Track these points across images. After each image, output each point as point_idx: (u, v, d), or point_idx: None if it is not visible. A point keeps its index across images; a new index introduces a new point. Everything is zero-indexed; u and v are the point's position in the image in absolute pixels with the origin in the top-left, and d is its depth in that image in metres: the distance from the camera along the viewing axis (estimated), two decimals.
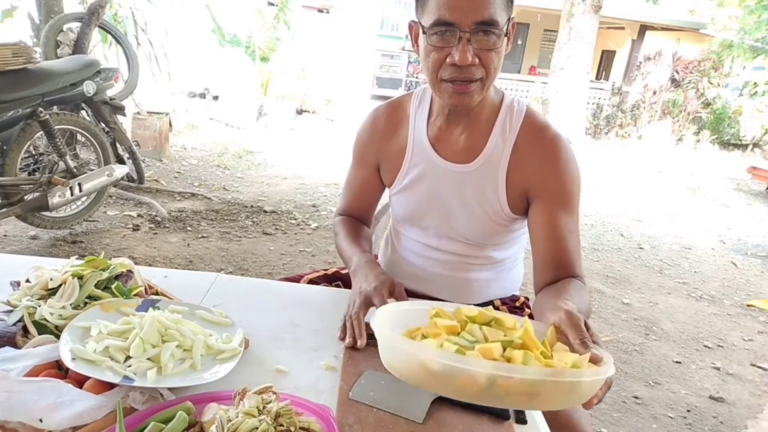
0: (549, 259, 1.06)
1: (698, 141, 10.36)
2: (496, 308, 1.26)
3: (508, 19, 0.96)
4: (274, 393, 0.72)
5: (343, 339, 0.95)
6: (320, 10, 11.31)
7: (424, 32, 0.97)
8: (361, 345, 0.93)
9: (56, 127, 2.87)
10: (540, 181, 1.07)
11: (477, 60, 0.95)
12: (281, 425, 0.67)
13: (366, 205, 1.30)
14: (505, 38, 0.97)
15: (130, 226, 3.50)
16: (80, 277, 0.91)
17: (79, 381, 0.73)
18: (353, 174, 1.28)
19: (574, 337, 0.74)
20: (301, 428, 0.68)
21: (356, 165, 1.27)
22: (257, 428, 0.65)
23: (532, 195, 1.09)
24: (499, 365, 0.63)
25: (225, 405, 0.70)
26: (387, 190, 1.28)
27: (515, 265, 1.31)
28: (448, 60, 0.95)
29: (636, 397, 2.29)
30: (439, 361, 0.61)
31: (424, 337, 0.76)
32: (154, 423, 0.68)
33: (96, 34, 4.62)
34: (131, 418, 0.69)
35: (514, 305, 1.28)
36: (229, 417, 0.66)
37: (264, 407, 0.69)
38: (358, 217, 1.30)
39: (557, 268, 1.04)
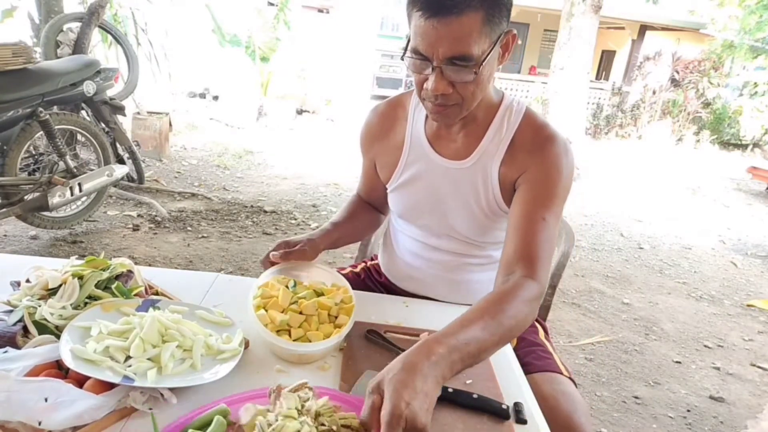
0: (514, 242, 1.00)
1: (698, 141, 10.37)
2: None
3: (498, 37, 0.93)
4: (310, 389, 0.70)
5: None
6: (320, 10, 11.30)
7: (403, 53, 0.97)
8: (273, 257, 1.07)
9: (56, 127, 2.87)
10: (527, 170, 1.06)
11: (450, 89, 0.95)
12: (322, 425, 0.65)
13: (376, 192, 1.32)
14: (497, 52, 0.95)
15: (130, 226, 3.50)
16: (80, 277, 0.91)
17: (79, 381, 0.73)
18: (363, 163, 1.33)
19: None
20: (342, 426, 0.66)
21: (364, 158, 1.32)
22: (299, 431, 0.63)
23: (518, 183, 1.08)
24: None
25: (260, 404, 0.69)
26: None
27: None
28: (425, 85, 0.97)
29: (636, 397, 2.29)
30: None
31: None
32: (191, 431, 0.66)
33: (96, 34, 4.62)
34: (167, 429, 0.68)
35: None
36: (269, 421, 0.64)
37: (302, 406, 0.67)
38: (369, 200, 1.35)
39: (519, 258, 0.97)
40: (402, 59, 0.98)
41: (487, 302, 0.89)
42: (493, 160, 1.09)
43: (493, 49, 0.93)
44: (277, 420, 0.64)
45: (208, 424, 0.67)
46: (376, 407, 0.66)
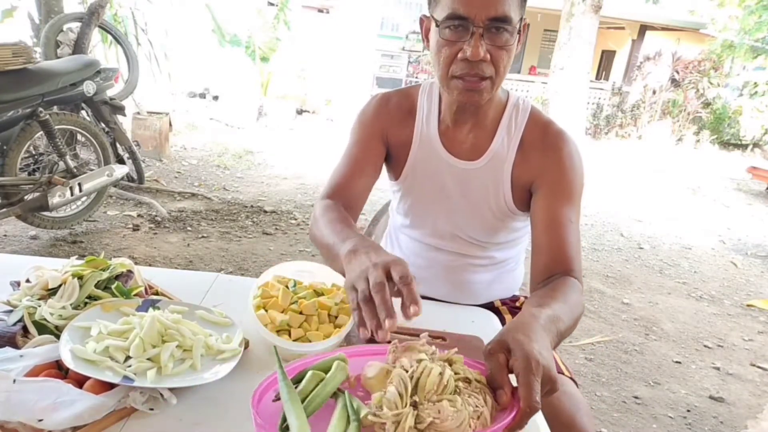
0: (547, 247, 1.01)
1: (698, 141, 10.37)
2: (496, 308, 1.25)
3: (521, 19, 0.95)
4: (430, 345, 0.69)
5: (367, 338, 0.72)
6: (320, 10, 11.29)
7: (437, 26, 0.96)
8: (390, 326, 0.68)
9: (56, 127, 2.88)
10: (543, 172, 1.07)
11: (488, 57, 0.94)
12: (456, 373, 0.64)
13: (359, 187, 1.13)
14: (517, 36, 0.96)
15: (130, 226, 3.50)
16: (80, 277, 0.91)
17: (79, 381, 0.73)
18: (352, 149, 1.16)
19: (525, 398, 0.60)
20: (475, 379, 0.65)
21: (358, 142, 1.16)
22: (441, 374, 0.61)
23: (535, 186, 1.08)
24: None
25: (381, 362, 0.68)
26: (388, 186, 1.27)
27: (517, 266, 1.30)
28: (459, 55, 0.94)
29: (636, 397, 2.29)
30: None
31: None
32: (313, 372, 0.68)
33: (96, 34, 4.62)
34: (289, 368, 0.69)
35: (514, 305, 1.28)
36: (405, 367, 0.63)
37: (431, 355, 0.66)
38: (345, 203, 1.10)
39: (555, 261, 0.99)
40: (436, 27, 0.96)
41: (551, 292, 0.90)
42: (505, 161, 1.09)
43: (520, 25, 0.95)
44: (411, 366, 0.62)
45: (327, 370, 0.69)
46: (503, 365, 0.64)
